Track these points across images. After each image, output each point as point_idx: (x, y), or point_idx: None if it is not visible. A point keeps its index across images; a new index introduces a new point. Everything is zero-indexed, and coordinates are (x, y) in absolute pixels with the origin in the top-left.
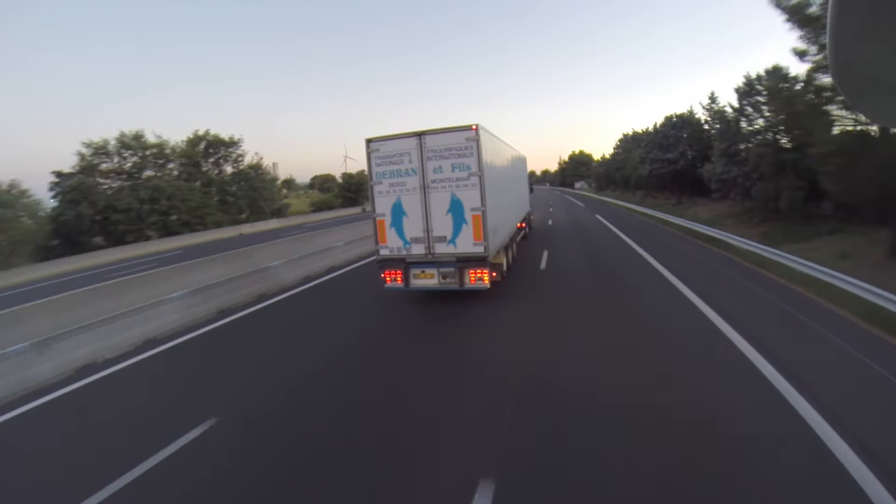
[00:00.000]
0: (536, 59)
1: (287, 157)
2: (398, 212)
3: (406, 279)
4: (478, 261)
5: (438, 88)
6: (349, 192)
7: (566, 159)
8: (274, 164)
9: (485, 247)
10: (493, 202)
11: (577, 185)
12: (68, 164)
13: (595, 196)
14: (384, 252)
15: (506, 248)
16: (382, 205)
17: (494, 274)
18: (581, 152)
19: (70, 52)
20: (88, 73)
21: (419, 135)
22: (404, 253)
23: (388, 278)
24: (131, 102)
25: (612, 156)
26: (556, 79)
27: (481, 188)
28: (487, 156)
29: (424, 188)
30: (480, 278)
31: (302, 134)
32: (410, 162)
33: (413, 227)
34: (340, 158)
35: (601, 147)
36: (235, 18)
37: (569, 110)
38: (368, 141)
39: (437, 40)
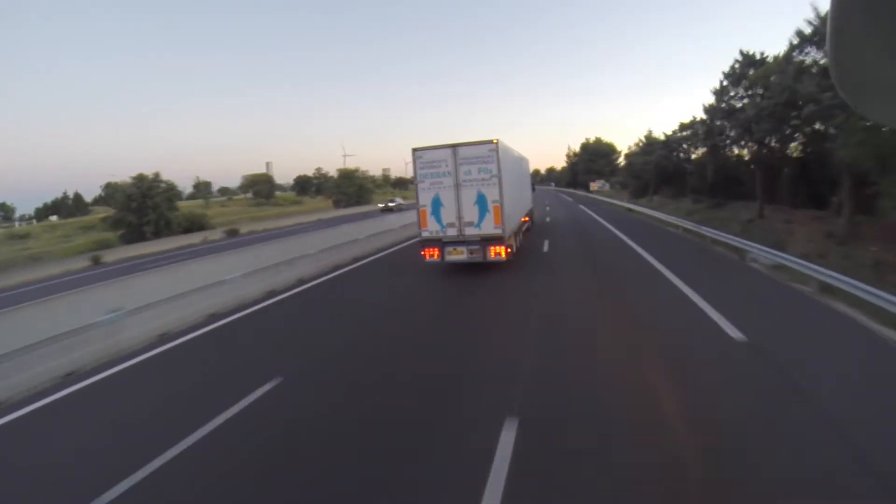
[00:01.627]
0: (535, 54)
1: (286, 155)
2: (437, 204)
3: (442, 254)
4: (497, 240)
5: (436, 87)
6: (130, 211)
7: (577, 150)
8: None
9: (502, 229)
10: (508, 196)
11: (595, 185)
12: None
13: (655, 214)
14: (425, 234)
15: (515, 233)
16: (425, 198)
17: (509, 250)
18: (598, 140)
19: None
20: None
21: (453, 146)
22: (441, 234)
23: (426, 255)
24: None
25: (707, 117)
26: (559, 75)
27: (500, 186)
28: (503, 162)
29: (457, 186)
30: (499, 253)
31: (300, 133)
32: (447, 166)
33: (448, 215)
34: (339, 157)
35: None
36: (234, 23)
37: (574, 106)
38: (414, 150)
39: (432, 38)
